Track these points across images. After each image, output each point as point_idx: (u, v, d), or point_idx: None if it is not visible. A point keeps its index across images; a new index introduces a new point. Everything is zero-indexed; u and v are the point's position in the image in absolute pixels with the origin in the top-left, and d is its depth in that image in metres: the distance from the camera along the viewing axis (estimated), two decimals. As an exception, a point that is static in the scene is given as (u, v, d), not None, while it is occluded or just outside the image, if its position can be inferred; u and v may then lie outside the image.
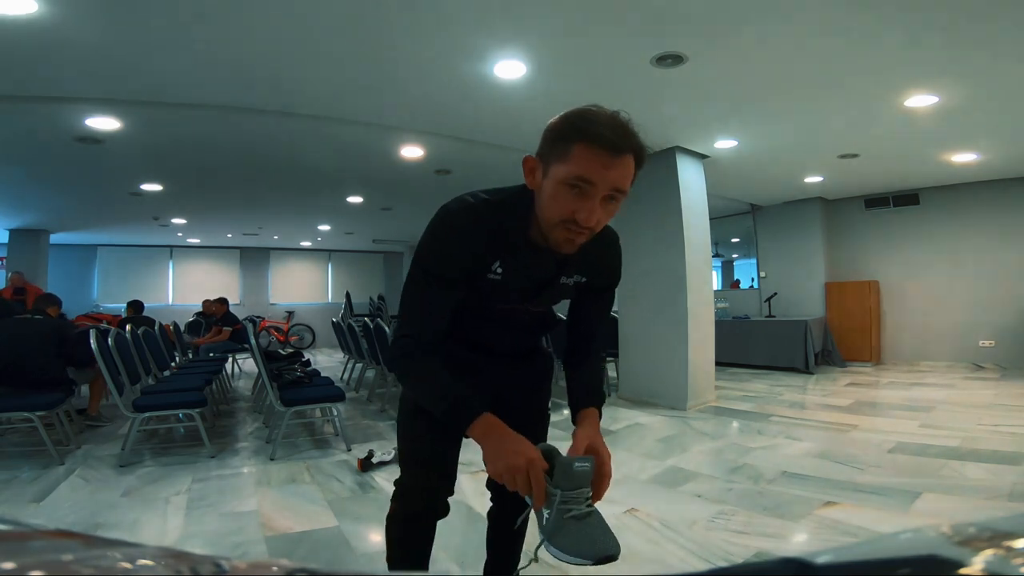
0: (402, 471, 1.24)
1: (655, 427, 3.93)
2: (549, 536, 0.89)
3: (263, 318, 10.56)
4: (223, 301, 7.59)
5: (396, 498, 1.24)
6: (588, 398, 1.12)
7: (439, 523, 1.26)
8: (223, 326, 7.21)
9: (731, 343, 6.65)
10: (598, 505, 0.95)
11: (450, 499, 1.21)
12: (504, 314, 1.12)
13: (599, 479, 0.96)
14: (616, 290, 1.20)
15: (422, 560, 1.26)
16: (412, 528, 1.24)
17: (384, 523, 1.26)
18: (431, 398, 1.01)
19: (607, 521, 0.93)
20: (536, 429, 1.27)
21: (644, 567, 1.87)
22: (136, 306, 6.20)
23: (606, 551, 0.87)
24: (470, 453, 1.13)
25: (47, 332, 3.50)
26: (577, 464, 0.91)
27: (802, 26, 2.61)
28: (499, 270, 1.02)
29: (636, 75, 3.13)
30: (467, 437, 0.98)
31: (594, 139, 0.86)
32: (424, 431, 1.13)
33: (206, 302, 8.56)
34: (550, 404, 1.35)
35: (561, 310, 1.22)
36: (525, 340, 1.24)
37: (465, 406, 0.97)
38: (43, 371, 3.36)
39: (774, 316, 6.95)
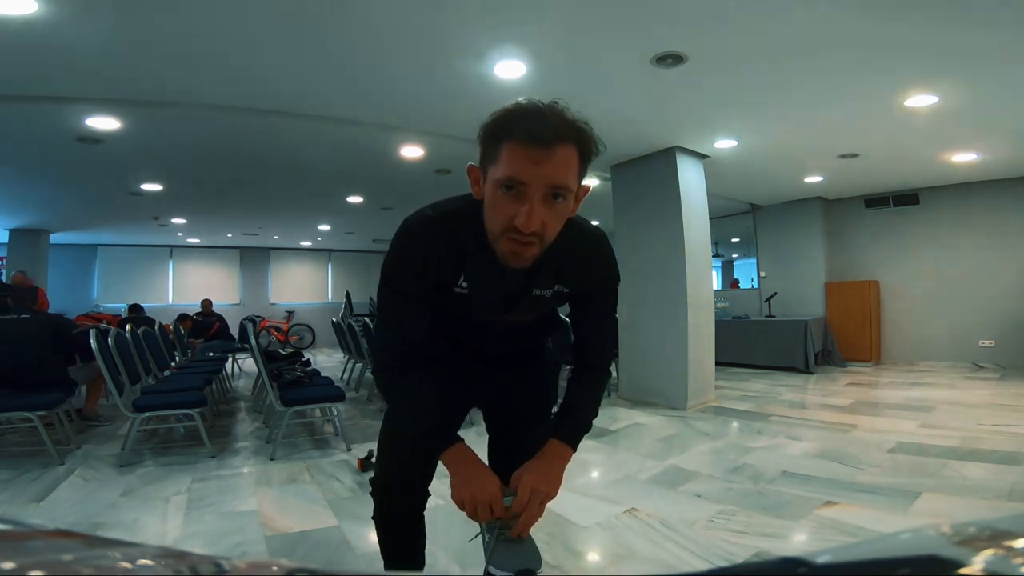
0: (376, 469, 1.25)
1: (655, 427, 3.93)
2: (488, 557, 1.00)
3: (263, 318, 10.56)
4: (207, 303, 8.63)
5: (372, 496, 1.25)
6: (558, 424, 1.07)
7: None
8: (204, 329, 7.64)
9: (731, 343, 6.64)
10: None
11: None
12: (488, 323, 1.08)
13: (523, 511, 0.97)
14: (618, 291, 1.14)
15: (415, 555, 1.26)
16: (394, 525, 1.24)
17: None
18: (409, 416, 1.04)
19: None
20: (539, 430, 1.24)
21: (644, 567, 1.87)
22: (135, 309, 6.36)
23: (526, 565, 0.97)
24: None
25: (40, 329, 3.43)
26: (508, 499, 1.00)
27: (802, 26, 2.61)
28: (464, 284, 0.99)
29: (636, 75, 3.13)
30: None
31: (519, 134, 0.80)
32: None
33: (205, 301, 8.79)
34: (555, 408, 1.30)
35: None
36: (518, 345, 1.20)
37: (441, 434, 1.01)
38: (41, 371, 3.34)
39: (774, 316, 6.95)
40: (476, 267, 0.97)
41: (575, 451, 1.06)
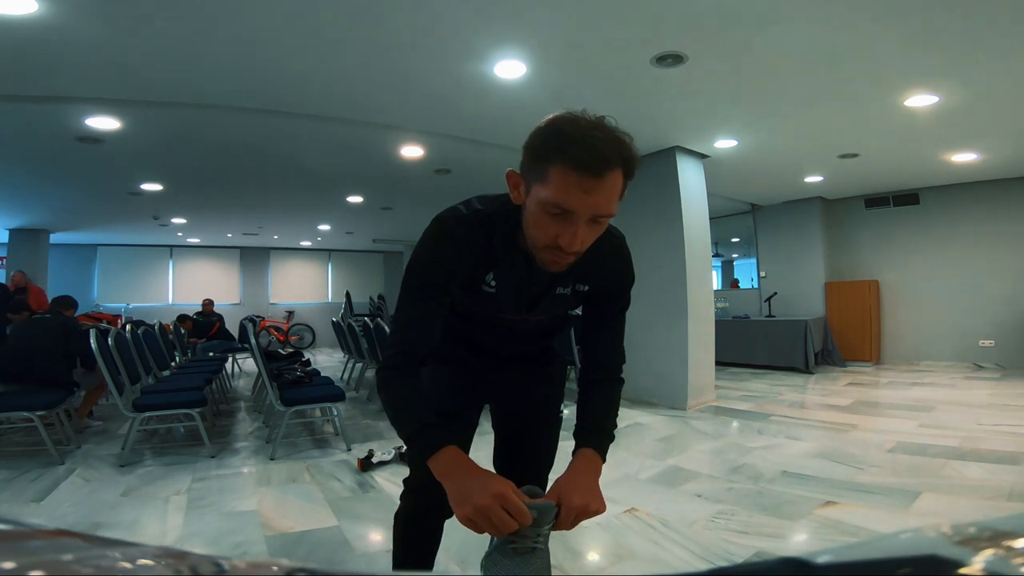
0: (410, 469, 1.24)
1: (655, 427, 3.93)
2: (484, 561, 0.90)
3: (263, 318, 10.56)
4: (208, 302, 8.82)
5: (402, 496, 1.24)
6: (584, 435, 1.01)
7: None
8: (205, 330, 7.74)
9: (731, 343, 6.65)
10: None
11: None
12: (506, 322, 1.10)
13: (562, 521, 0.87)
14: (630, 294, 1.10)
15: (427, 559, 1.26)
16: (416, 527, 1.24)
17: (388, 522, 1.27)
18: (400, 419, 0.96)
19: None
20: (544, 432, 1.27)
21: (644, 567, 1.87)
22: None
23: None
24: (471, 452, 1.13)
25: (55, 331, 3.54)
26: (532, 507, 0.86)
27: (802, 26, 2.61)
28: (492, 283, 1.00)
29: (636, 75, 3.13)
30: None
31: (570, 162, 0.78)
32: None
33: (206, 301, 8.84)
34: (563, 408, 1.31)
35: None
36: (532, 345, 1.22)
37: (430, 434, 0.90)
38: (50, 371, 3.39)
39: (774, 316, 6.95)
40: (505, 268, 0.99)
41: (604, 463, 1.02)
